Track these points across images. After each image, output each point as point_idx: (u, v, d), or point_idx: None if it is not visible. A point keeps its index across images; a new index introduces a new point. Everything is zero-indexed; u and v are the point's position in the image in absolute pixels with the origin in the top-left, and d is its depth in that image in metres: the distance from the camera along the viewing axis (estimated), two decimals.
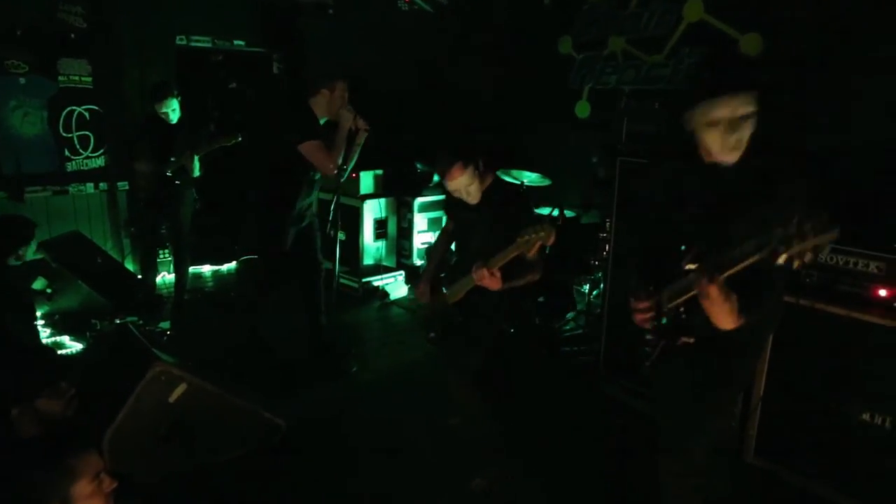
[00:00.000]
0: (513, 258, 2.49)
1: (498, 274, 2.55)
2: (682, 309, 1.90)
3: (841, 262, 2.71)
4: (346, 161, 3.80)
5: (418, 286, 3.08)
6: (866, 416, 2.60)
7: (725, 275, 1.64)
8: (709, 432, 2.09)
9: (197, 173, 4.54)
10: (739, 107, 1.71)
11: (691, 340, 1.95)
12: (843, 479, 2.69)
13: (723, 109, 1.72)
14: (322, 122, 3.72)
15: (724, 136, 1.75)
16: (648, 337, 2.06)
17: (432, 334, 3.02)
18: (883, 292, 2.59)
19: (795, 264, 1.45)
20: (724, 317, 1.71)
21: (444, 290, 2.93)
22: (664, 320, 1.96)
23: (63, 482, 1.67)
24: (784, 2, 4.04)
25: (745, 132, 1.74)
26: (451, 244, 3.21)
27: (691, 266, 1.80)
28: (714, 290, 1.65)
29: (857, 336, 2.60)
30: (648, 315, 1.98)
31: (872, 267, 2.63)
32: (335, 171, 3.73)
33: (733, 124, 1.73)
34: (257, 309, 4.12)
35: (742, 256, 1.58)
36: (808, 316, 2.71)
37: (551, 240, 2.37)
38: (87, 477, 1.71)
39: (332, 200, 4.06)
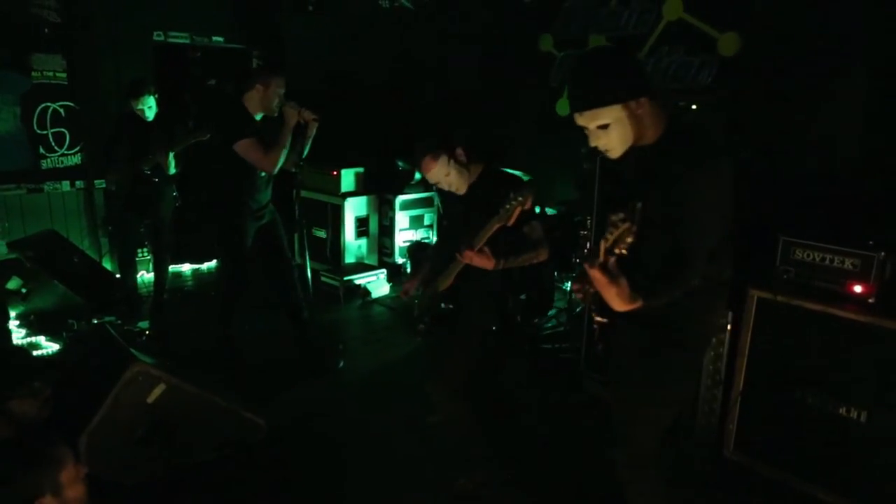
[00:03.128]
0: (497, 230, 2.48)
1: (486, 249, 2.54)
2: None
3: (817, 259, 2.74)
4: (297, 155, 3.83)
5: (404, 284, 3.08)
6: (842, 411, 2.64)
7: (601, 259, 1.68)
8: (645, 430, 2.07)
9: (173, 170, 4.49)
10: (593, 119, 1.84)
11: (605, 320, 2.01)
12: (820, 472, 2.72)
13: (580, 121, 1.88)
14: (258, 117, 3.74)
15: (591, 139, 1.91)
16: (595, 316, 2.09)
17: (421, 326, 3.01)
18: (858, 288, 2.63)
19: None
20: (611, 299, 1.72)
21: (437, 279, 2.92)
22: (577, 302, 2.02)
23: (52, 472, 1.76)
24: (763, 1, 4.09)
25: (610, 137, 1.85)
26: (447, 240, 3.22)
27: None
28: (596, 273, 1.68)
29: (833, 331, 2.64)
30: (578, 294, 2.05)
31: (847, 263, 2.66)
32: (274, 169, 3.75)
33: (593, 133, 1.87)
34: (225, 310, 4.08)
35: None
36: (786, 311, 2.75)
37: (528, 203, 2.39)
38: (69, 463, 1.80)
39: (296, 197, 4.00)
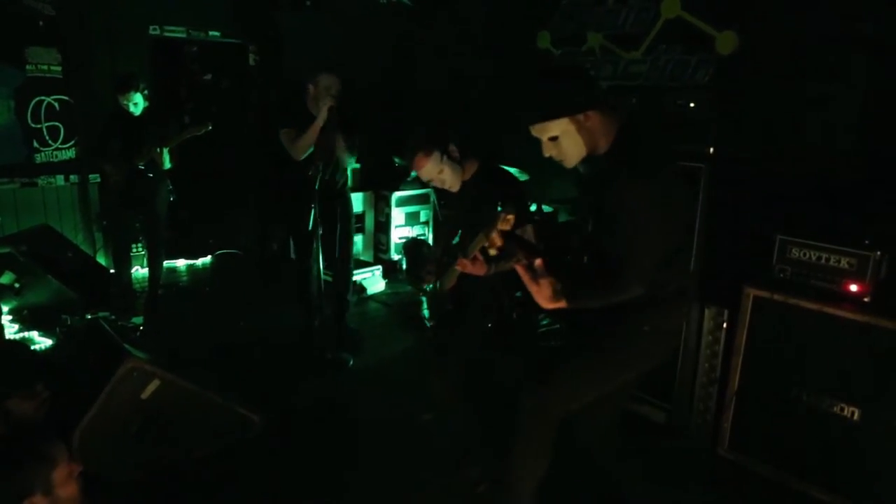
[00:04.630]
0: (484, 246, 2.48)
1: (480, 257, 2.54)
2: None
3: (814, 258, 2.75)
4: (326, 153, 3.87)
5: (425, 269, 3.07)
6: (837, 409, 2.65)
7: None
8: (573, 394, 2.11)
9: (168, 165, 4.46)
10: (543, 132, 1.96)
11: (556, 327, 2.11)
12: (815, 470, 2.73)
13: (534, 132, 2.00)
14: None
15: (545, 150, 2.02)
16: None
17: (431, 322, 3.01)
18: (854, 287, 2.63)
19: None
20: (535, 296, 1.82)
21: (441, 280, 2.92)
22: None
23: (44, 470, 1.74)
24: (761, 2, 4.09)
25: (561, 148, 1.96)
26: (449, 239, 3.21)
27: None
28: (519, 270, 1.82)
29: (829, 330, 2.64)
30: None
31: (844, 262, 2.67)
32: (298, 158, 3.85)
33: (546, 145, 1.99)
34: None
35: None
36: (782, 310, 2.75)
37: (510, 224, 2.39)
38: (63, 462, 1.79)
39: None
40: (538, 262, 1.76)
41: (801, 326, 2.72)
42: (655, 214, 1.81)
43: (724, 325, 2.98)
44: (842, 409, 2.64)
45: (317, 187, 3.71)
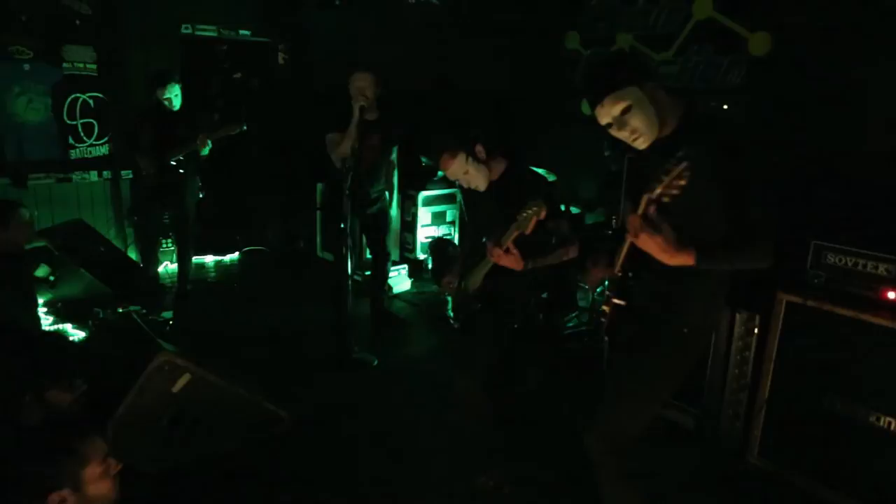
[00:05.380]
0: (517, 238, 2.48)
1: (514, 250, 2.53)
2: (629, 273, 1.99)
3: (850, 264, 2.69)
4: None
5: (444, 276, 3.08)
6: (873, 419, 2.59)
7: (641, 208, 1.70)
8: (631, 417, 2.09)
9: (205, 152, 4.52)
10: (615, 105, 1.86)
11: (622, 302, 2.03)
12: (848, 481, 2.68)
13: (602, 114, 1.90)
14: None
15: (619, 133, 1.91)
16: (604, 307, 2.12)
17: (456, 323, 3.02)
18: (892, 294, 2.57)
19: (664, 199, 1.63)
20: (656, 251, 1.73)
21: (467, 279, 2.92)
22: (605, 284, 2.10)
23: (74, 466, 1.71)
24: (794, 2, 4.02)
25: (636, 120, 1.86)
26: (475, 239, 3.22)
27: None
28: (636, 223, 1.71)
29: (864, 338, 2.59)
30: (599, 276, 2.13)
31: (881, 269, 2.61)
32: (337, 159, 3.85)
33: (618, 122, 1.88)
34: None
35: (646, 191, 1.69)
36: (816, 316, 2.70)
37: (543, 213, 2.39)
38: (96, 460, 1.75)
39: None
40: (652, 210, 1.66)
41: (835, 334, 2.67)
42: (765, 186, 1.79)
43: (756, 330, 2.94)
44: (877, 420, 2.58)
45: (349, 185, 3.72)
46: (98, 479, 1.74)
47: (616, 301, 2.03)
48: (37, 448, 1.75)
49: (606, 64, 1.91)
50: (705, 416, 3.16)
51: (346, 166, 3.71)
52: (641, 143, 1.91)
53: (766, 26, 4.15)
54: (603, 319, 2.12)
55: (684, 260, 1.73)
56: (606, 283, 2.12)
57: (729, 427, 3.07)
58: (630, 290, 2.01)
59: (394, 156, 4.47)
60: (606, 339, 2.21)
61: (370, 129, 3.90)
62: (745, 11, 4.29)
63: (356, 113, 3.72)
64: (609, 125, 1.91)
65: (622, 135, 1.91)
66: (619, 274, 1.99)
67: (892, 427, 2.55)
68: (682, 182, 1.57)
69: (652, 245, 1.71)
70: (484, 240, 2.78)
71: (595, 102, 1.89)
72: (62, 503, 1.67)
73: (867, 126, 3.68)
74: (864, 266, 2.66)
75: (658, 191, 1.61)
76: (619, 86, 1.84)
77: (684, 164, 1.56)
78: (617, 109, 1.86)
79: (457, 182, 2.88)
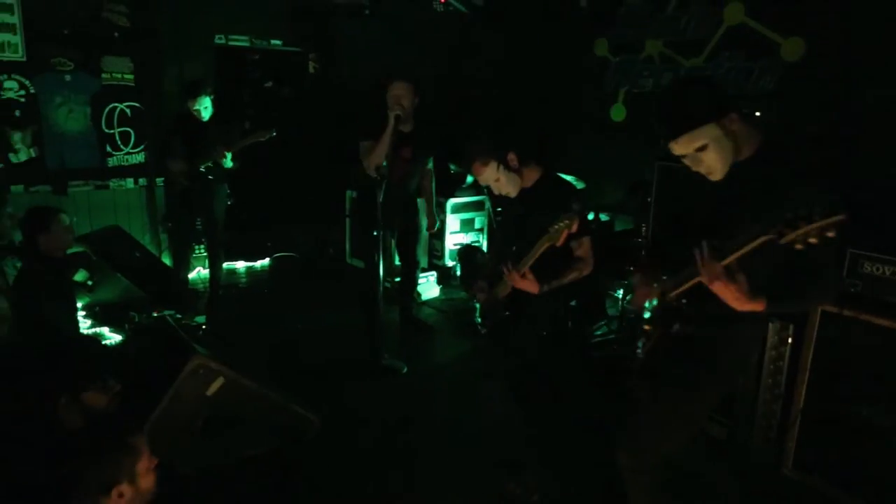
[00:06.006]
0: (545, 252, 2.49)
1: (530, 275, 2.55)
2: (683, 299, 1.98)
3: (888, 273, 2.64)
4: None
5: (476, 283, 3.10)
6: None
7: (729, 259, 1.71)
8: (667, 437, 2.08)
9: (229, 164, 4.61)
10: (689, 144, 1.83)
11: (687, 330, 2.02)
12: (884, 494, 2.62)
13: (676, 148, 1.87)
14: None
15: (692, 165, 1.89)
16: (646, 327, 2.13)
17: (484, 329, 3.03)
18: None
19: (798, 246, 1.52)
20: (733, 299, 1.75)
21: (497, 286, 2.94)
22: (653, 302, 2.07)
23: (130, 460, 1.78)
24: (828, 6, 3.96)
25: (711, 158, 1.84)
26: (505, 246, 3.23)
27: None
28: (716, 269, 1.71)
29: None
30: (647, 297, 2.09)
31: None
32: (370, 168, 3.83)
33: (692, 158, 1.87)
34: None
35: (745, 241, 1.65)
36: (852, 326, 2.65)
37: (575, 227, 2.39)
38: (146, 453, 1.83)
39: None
40: (723, 262, 1.69)
41: (872, 344, 2.61)
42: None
43: (790, 340, 2.89)
44: None
45: (382, 192, 3.75)
46: (147, 472, 1.82)
47: (678, 327, 2.03)
48: (90, 447, 1.81)
49: (683, 101, 1.85)
50: (738, 426, 3.11)
51: (379, 174, 3.74)
52: (715, 177, 1.89)
53: (800, 31, 4.09)
54: (644, 339, 2.12)
55: (754, 307, 1.76)
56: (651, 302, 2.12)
57: (762, 438, 3.02)
58: (682, 314, 2.01)
59: (430, 164, 4.50)
60: (640, 353, 2.18)
61: (404, 139, 3.93)
62: (777, 16, 4.24)
63: (391, 122, 3.74)
64: (683, 156, 1.89)
65: (697, 168, 1.89)
66: (673, 300, 2.00)
67: None
68: (831, 234, 1.50)
69: (726, 293, 1.73)
70: (514, 248, 2.79)
71: (668, 138, 1.87)
72: (121, 497, 1.74)
73: None
74: None
75: (790, 237, 1.53)
76: (696, 125, 1.81)
77: (840, 217, 1.48)
78: (692, 147, 1.84)
79: (485, 188, 2.90)
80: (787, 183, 1.75)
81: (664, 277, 2.06)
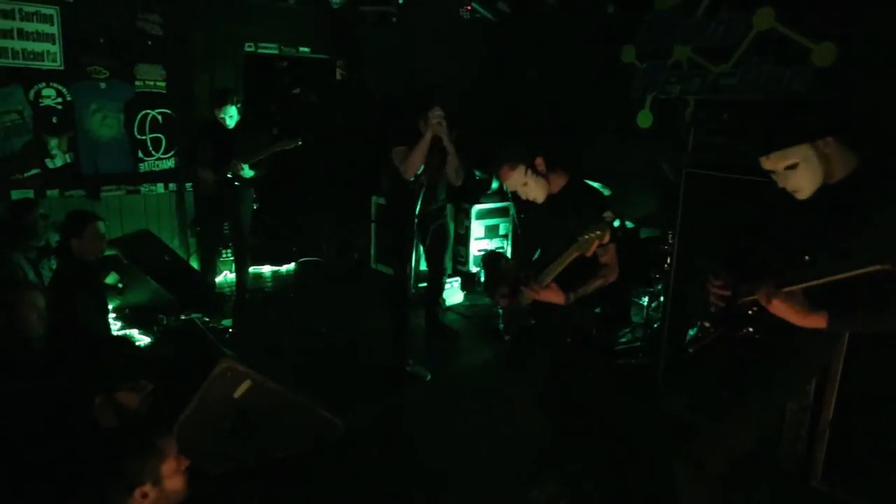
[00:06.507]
0: (572, 261, 2.47)
1: (554, 286, 2.53)
2: (754, 307, 2.00)
3: None
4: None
5: (499, 289, 3.09)
6: None
7: (789, 289, 1.79)
8: (736, 438, 2.09)
9: (249, 174, 4.69)
10: (779, 161, 1.88)
11: (752, 331, 2.04)
12: None
13: (766, 164, 1.92)
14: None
15: (779, 181, 1.93)
16: (706, 324, 2.16)
17: (507, 336, 3.02)
18: None
19: None
20: (794, 319, 1.83)
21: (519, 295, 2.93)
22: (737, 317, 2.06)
23: (155, 462, 1.78)
24: (860, 10, 3.90)
25: (799, 178, 1.88)
26: (529, 253, 3.22)
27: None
28: (769, 297, 1.82)
29: None
30: (720, 294, 2.10)
31: None
32: (408, 176, 3.94)
33: (780, 175, 1.91)
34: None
35: (852, 268, 1.67)
36: (882, 336, 2.59)
37: (606, 237, 2.37)
38: (172, 456, 1.83)
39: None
40: (780, 292, 1.80)
41: None
42: None
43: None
44: None
45: (419, 203, 3.79)
46: (174, 474, 1.82)
47: (748, 330, 2.05)
48: (117, 447, 1.84)
49: (781, 120, 1.91)
50: (767, 437, 3.06)
51: (417, 182, 3.79)
52: (801, 196, 1.92)
53: (831, 36, 4.03)
54: (700, 334, 2.13)
55: (816, 323, 1.81)
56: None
57: (791, 449, 2.97)
58: (751, 320, 2.04)
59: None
60: (689, 348, 2.21)
61: (437, 147, 3.97)
62: (808, 21, 4.18)
63: (428, 136, 3.80)
64: (772, 172, 1.93)
65: (783, 185, 1.92)
66: (747, 304, 2.02)
67: None
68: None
69: (785, 311, 1.81)
70: (537, 255, 2.79)
71: (760, 153, 1.91)
72: (145, 498, 1.75)
73: None
74: None
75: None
76: (789, 144, 1.85)
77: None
78: (782, 165, 1.88)
79: (510, 195, 2.89)
80: (881, 211, 1.76)
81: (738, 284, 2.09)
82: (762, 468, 3.03)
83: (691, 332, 2.24)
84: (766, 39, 4.42)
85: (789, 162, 1.85)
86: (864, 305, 1.80)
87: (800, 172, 1.86)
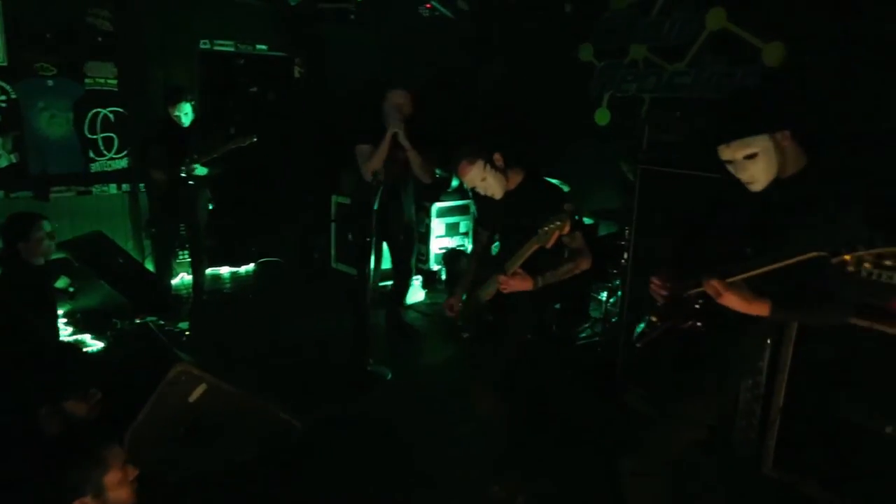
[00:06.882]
0: (534, 253, 2.49)
1: (521, 272, 2.54)
2: (700, 300, 2.05)
3: (864, 274, 2.67)
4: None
5: (448, 300, 3.09)
6: (889, 430, 2.57)
7: (733, 279, 1.83)
8: (674, 435, 2.15)
9: (202, 172, 4.60)
10: (740, 150, 1.88)
11: (699, 324, 2.09)
12: (863, 491, 2.65)
13: (726, 153, 1.92)
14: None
15: (737, 173, 1.94)
16: (653, 318, 2.21)
17: (466, 334, 3.03)
18: None
19: (850, 269, 1.59)
20: (740, 307, 1.87)
21: (481, 289, 2.94)
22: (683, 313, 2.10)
23: (96, 472, 1.75)
24: (809, 11, 4.01)
25: (756, 168, 1.89)
26: (488, 250, 3.23)
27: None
28: (717, 287, 1.84)
29: (879, 348, 2.57)
30: (664, 290, 2.14)
31: (895, 279, 2.59)
32: (367, 175, 3.92)
33: (738, 165, 1.91)
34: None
35: (789, 256, 1.73)
36: (829, 326, 2.68)
37: (567, 228, 2.40)
38: (116, 466, 1.79)
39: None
40: (725, 281, 1.82)
41: (849, 343, 2.65)
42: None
43: (769, 340, 2.92)
44: (893, 429, 2.56)
45: (377, 199, 3.76)
46: (118, 485, 1.78)
47: (693, 323, 2.09)
48: (58, 456, 1.78)
49: (744, 108, 1.91)
50: (719, 426, 3.13)
51: (376, 180, 3.76)
52: (755, 188, 1.94)
53: (781, 36, 4.14)
54: (647, 328, 2.17)
55: (759, 310, 1.85)
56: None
57: (743, 437, 3.04)
58: (696, 312, 2.08)
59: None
60: (638, 342, 2.26)
61: (399, 144, 3.95)
62: (758, 22, 4.29)
63: (389, 134, 3.78)
64: (728, 162, 1.93)
65: (738, 176, 1.93)
66: (692, 297, 2.07)
67: None
68: (889, 262, 1.55)
69: (733, 301, 1.85)
70: (495, 251, 2.80)
71: (719, 141, 1.90)
72: None
73: (881, 135, 3.66)
74: (879, 276, 2.63)
75: (846, 257, 1.59)
76: (751, 133, 1.85)
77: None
78: (741, 154, 1.88)
79: (470, 192, 2.91)
80: (835, 207, 1.81)
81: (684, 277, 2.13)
82: (715, 455, 3.10)
83: (639, 327, 2.28)
84: (718, 39, 4.51)
85: (749, 151, 1.86)
86: (803, 294, 1.85)
87: (758, 163, 1.87)
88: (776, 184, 1.92)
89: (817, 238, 1.68)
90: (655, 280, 2.16)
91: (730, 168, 1.95)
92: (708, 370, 2.10)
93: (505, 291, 2.64)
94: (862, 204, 1.82)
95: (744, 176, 1.92)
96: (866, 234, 1.58)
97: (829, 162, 1.98)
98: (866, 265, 1.55)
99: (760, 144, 1.85)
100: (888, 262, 1.53)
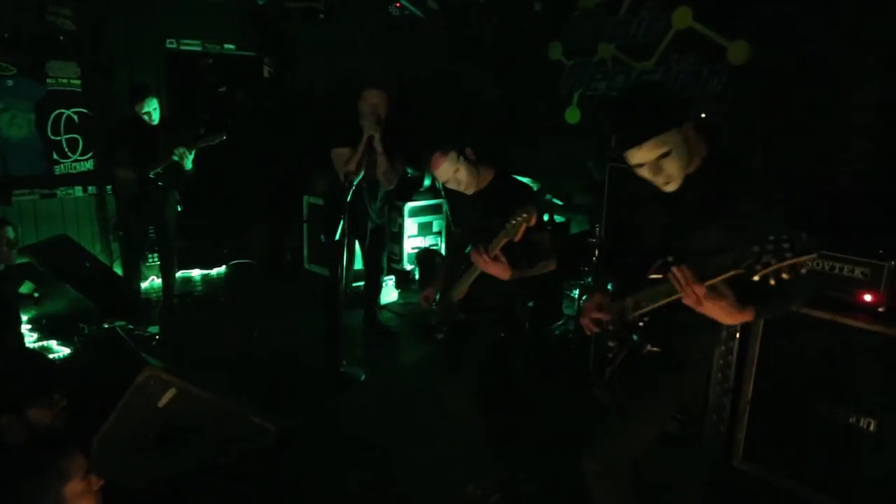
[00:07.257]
0: (503, 248, 2.50)
1: (502, 258, 2.55)
2: (644, 318, 1.98)
3: (827, 268, 2.74)
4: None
5: (424, 292, 3.09)
6: (852, 420, 2.63)
7: (709, 283, 1.71)
8: (637, 440, 2.10)
9: (190, 166, 4.53)
10: (654, 149, 1.75)
11: (657, 349, 2.01)
12: (830, 482, 2.71)
13: (639, 155, 1.78)
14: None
15: (652, 176, 1.83)
16: (611, 344, 2.12)
17: (440, 335, 3.02)
18: (868, 297, 2.62)
19: (771, 281, 1.54)
20: (723, 315, 1.76)
21: (452, 289, 2.93)
22: (634, 336, 2.04)
23: (56, 483, 1.69)
24: (772, 10, 4.09)
25: (672, 166, 1.79)
26: (460, 248, 3.22)
27: (656, 276, 1.88)
28: (700, 291, 1.71)
29: (843, 340, 2.63)
30: (606, 321, 2.09)
31: (858, 272, 2.66)
32: (341, 177, 3.88)
33: (653, 167, 1.79)
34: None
35: (721, 269, 1.66)
36: (796, 320, 2.73)
37: (533, 220, 2.40)
38: (77, 476, 1.74)
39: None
40: (706, 285, 1.69)
41: (815, 336, 2.71)
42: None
43: (737, 335, 2.98)
44: (857, 420, 2.62)
45: (348, 200, 3.73)
46: (80, 495, 1.73)
47: (651, 349, 2.02)
48: (18, 466, 1.73)
49: (652, 104, 1.78)
50: (689, 420, 3.18)
51: (347, 181, 3.73)
52: (671, 187, 1.84)
53: (745, 35, 4.21)
54: (611, 357, 2.13)
55: (745, 318, 1.76)
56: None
57: (713, 431, 3.09)
58: (644, 332, 2.02)
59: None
60: (608, 376, 2.19)
61: (375, 147, 3.94)
62: (723, 21, 4.36)
63: (366, 136, 3.76)
64: (640, 166, 1.81)
65: (654, 178, 1.82)
66: (636, 319, 2.00)
67: (872, 428, 2.59)
68: (804, 271, 1.52)
69: (716, 310, 1.73)
70: (468, 249, 2.80)
71: (632, 144, 1.76)
72: None
73: (845, 132, 3.75)
74: (841, 269, 2.70)
75: (763, 272, 1.54)
76: (664, 130, 1.73)
77: (812, 256, 1.50)
78: (655, 154, 1.76)
79: (442, 191, 2.90)
80: (739, 191, 1.78)
81: (621, 297, 2.07)
82: (686, 449, 3.15)
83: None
84: (685, 37, 4.58)
85: (664, 149, 1.75)
86: (775, 291, 1.77)
87: (673, 160, 1.77)
88: (686, 181, 1.84)
89: (732, 240, 1.63)
90: (591, 311, 2.12)
91: (641, 172, 1.82)
92: (664, 370, 2.05)
93: (485, 270, 2.62)
94: (782, 203, 1.76)
95: (660, 178, 1.81)
96: (789, 235, 1.51)
97: (728, 151, 1.96)
98: (784, 276, 1.52)
99: (672, 140, 1.74)
100: (803, 271, 1.51)
